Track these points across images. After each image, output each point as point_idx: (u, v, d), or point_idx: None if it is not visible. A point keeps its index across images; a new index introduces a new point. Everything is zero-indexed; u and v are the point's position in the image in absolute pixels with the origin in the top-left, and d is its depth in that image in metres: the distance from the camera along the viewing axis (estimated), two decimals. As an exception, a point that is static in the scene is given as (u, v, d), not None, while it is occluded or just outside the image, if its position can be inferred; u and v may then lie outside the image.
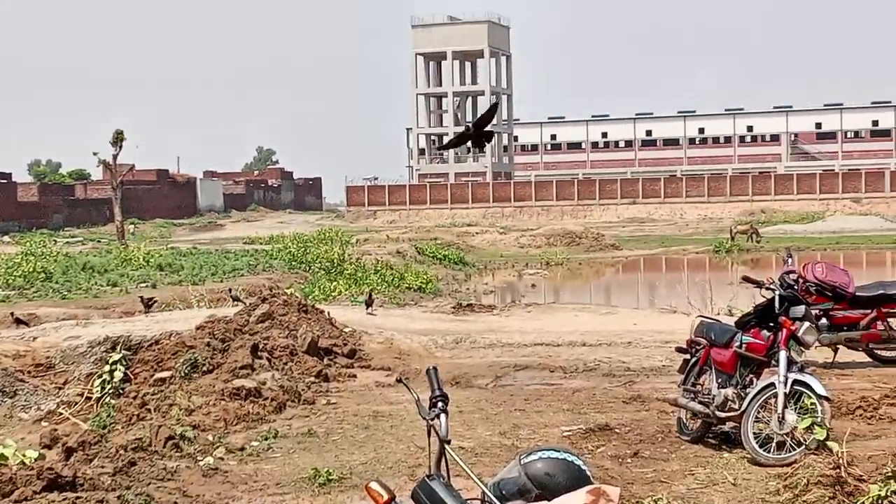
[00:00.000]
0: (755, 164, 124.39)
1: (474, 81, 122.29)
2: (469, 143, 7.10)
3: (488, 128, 7.00)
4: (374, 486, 4.71)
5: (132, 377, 14.76)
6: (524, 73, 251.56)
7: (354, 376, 15.84)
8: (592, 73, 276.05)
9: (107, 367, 14.88)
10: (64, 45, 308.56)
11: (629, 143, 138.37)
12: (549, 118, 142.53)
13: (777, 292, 10.77)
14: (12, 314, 23.87)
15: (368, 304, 23.13)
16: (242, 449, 11.31)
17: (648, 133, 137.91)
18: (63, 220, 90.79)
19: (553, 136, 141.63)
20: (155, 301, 24.78)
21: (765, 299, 10.93)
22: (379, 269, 37.50)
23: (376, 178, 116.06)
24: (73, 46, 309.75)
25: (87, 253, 51.55)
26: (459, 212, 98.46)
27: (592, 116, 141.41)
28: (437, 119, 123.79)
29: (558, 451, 4.56)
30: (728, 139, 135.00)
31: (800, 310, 10.58)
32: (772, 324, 10.61)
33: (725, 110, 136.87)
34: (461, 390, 14.36)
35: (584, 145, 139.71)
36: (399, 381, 5.48)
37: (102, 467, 9.99)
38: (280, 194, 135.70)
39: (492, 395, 14.20)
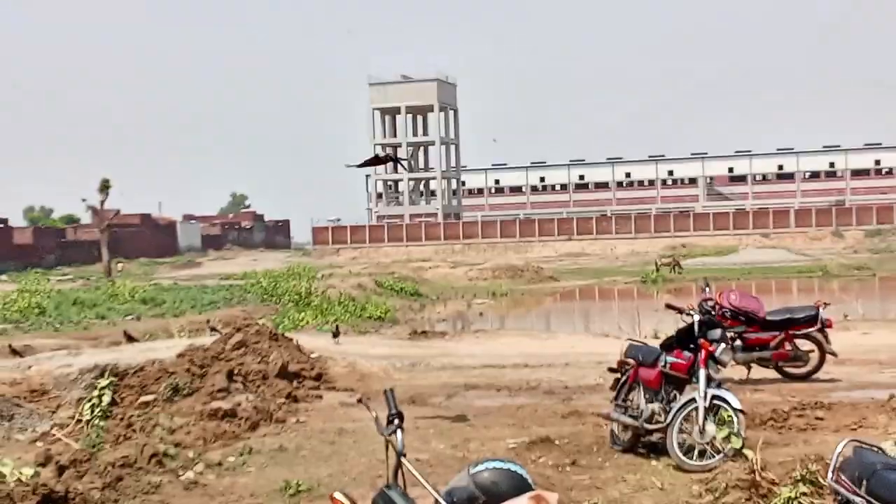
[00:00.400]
0: (676, 204, 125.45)
1: (425, 133, 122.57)
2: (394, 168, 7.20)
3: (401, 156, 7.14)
4: (338, 496, 4.69)
5: (119, 401, 14.60)
6: (470, 124, 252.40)
7: (321, 397, 15.75)
8: (530, 123, 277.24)
9: (96, 392, 14.70)
10: (53, 97, 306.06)
11: (564, 187, 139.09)
12: (493, 164, 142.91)
13: (696, 317, 10.86)
14: (9, 346, 23.54)
15: (335, 335, 22.92)
16: (220, 464, 11.20)
17: (581, 177, 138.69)
18: (55, 260, 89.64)
19: (497, 181, 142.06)
20: (137, 340, 24.38)
21: (686, 324, 11.02)
22: (342, 300, 37.37)
23: (339, 220, 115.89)
24: (63, 99, 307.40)
25: (78, 289, 50.94)
26: (414, 249, 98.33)
27: (531, 163, 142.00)
28: (393, 167, 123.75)
29: (503, 462, 4.56)
30: (651, 182, 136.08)
31: (717, 333, 10.67)
32: (692, 345, 10.69)
33: (649, 157, 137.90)
34: (417, 408, 14.32)
35: (524, 189, 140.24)
36: (360, 401, 5.47)
37: (92, 483, 9.87)
38: (252, 235, 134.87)
39: (444, 412, 14.17)
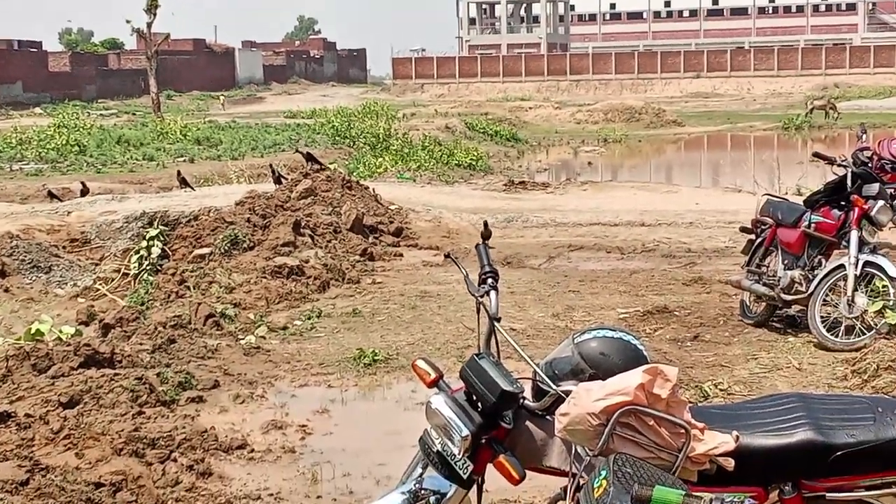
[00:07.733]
0: (829, 36, 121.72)
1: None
2: None
3: None
4: (421, 364, 4.71)
5: (170, 253, 14.92)
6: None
7: (401, 255, 15.90)
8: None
9: (144, 243, 15.06)
10: None
11: (693, 13, 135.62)
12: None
13: (850, 170, 10.58)
14: (46, 188, 24.15)
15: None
16: (285, 328, 11.43)
17: (715, 2, 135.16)
18: (96, 91, 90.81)
19: (612, 6, 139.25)
20: (191, 188, 23.73)
21: (836, 177, 10.75)
22: (427, 144, 37.35)
23: (424, 50, 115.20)
24: None
25: (122, 126, 51.86)
26: (512, 85, 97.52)
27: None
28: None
29: (613, 331, 4.49)
30: (800, 8, 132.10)
31: (873, 188, 10.39)
32: (843, 203, 10.45)
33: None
34: (513, 270, 14.39)
35: (645, 15, 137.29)
36: (447, 256, 5.43)
37: (141, 344, 10.11)
38: (322, 66, 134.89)
39: (545, 276, 14.22)
